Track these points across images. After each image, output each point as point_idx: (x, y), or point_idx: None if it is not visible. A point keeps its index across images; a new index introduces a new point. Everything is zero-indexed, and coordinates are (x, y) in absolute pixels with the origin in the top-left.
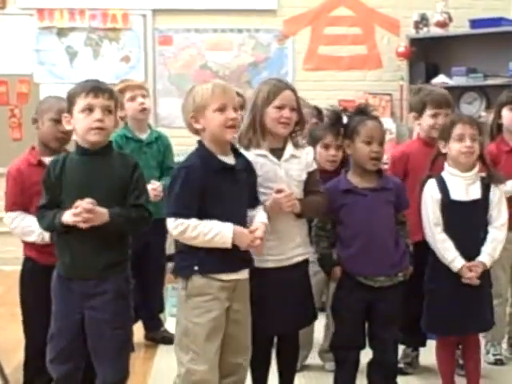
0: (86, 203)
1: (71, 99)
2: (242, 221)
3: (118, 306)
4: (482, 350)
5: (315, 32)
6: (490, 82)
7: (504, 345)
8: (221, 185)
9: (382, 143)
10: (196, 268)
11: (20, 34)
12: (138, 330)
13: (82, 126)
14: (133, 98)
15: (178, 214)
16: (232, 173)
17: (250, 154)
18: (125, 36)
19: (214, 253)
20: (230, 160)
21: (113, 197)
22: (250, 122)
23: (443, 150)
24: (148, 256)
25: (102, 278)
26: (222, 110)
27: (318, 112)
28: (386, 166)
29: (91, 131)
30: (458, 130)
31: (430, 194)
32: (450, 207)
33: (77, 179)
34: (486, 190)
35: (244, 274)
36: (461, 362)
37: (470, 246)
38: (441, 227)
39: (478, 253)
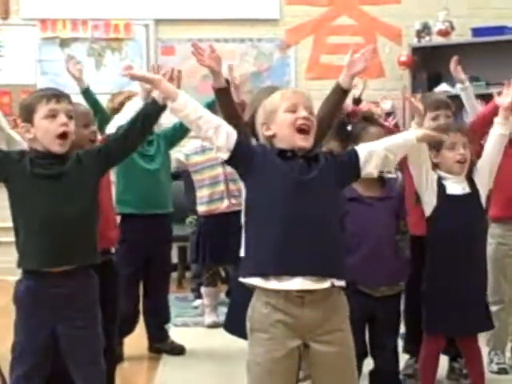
0: None
1: (31, 107)
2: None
3: None
4: (486, 359)
5: (317, 41)
6: (493, 90)
7: (508, 353)
8: None
9: None
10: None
11: (23, 45)
12: (140, 342)
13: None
14: None
15: None
16: None
17: None
18: (127, 46)
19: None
20: None
21: None
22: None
23: (434, 160)
24: (154, 265)
25: None
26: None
27: None
28: (389, 175)
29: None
30: (450, 138)
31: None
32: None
33: None
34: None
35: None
36: (465, 371)
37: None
38: None
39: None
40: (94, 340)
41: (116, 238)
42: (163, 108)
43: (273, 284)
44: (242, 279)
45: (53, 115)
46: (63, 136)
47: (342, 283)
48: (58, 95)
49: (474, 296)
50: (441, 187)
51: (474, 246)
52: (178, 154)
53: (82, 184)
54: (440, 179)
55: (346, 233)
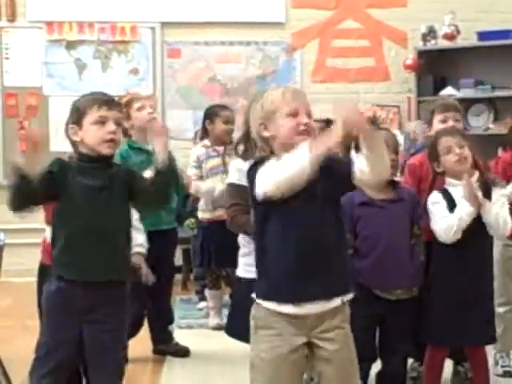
0: None
1: (82, 110)
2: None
3: None
4: (491, 361)
5: (323, 44)
6: (498, 93)
7: None
8: None
9: (395, 152)
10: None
11: (29, 47)
12: (144, 344)
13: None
14: (141, 108)
15: None
16: None
17: (247, 164)
18: (133, 48)
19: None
20: None
21: None
22: (243, 133)
23: (438, 170)
24: (159, 268)
25: None
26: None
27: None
28: (397, 178)
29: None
30: (443, 143)
31: (436, 201)
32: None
33: None
34: (487, 195)
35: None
36: (470, 375)
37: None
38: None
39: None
40: (118, 345)
41: None
42: (164, 170)
43: (288, 308)
44: (257, 300)
45: (102, 122)
46: (111, 141)
47: (350, 296)
48: (110, 102)
49: (479, 308)
50: (449, 199)
51: (481, 259)
52: (188, 171)
53: (123, 198)
54: (447, 193)
55: (359, 238)
